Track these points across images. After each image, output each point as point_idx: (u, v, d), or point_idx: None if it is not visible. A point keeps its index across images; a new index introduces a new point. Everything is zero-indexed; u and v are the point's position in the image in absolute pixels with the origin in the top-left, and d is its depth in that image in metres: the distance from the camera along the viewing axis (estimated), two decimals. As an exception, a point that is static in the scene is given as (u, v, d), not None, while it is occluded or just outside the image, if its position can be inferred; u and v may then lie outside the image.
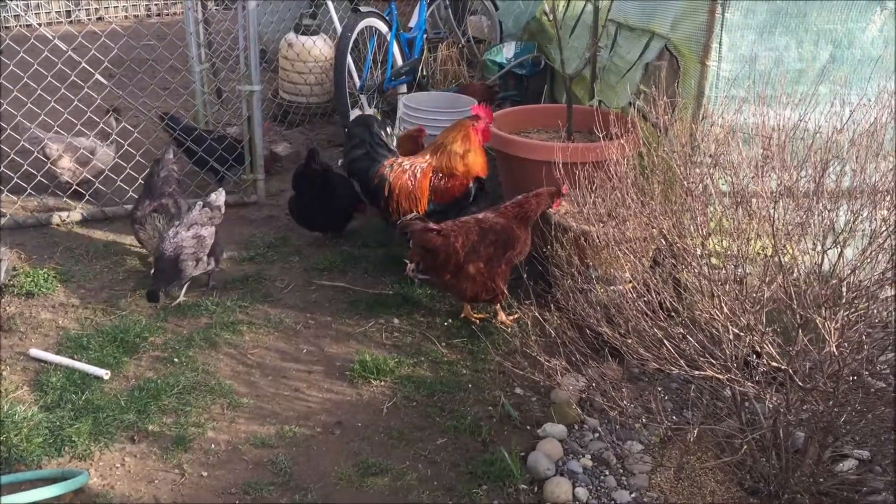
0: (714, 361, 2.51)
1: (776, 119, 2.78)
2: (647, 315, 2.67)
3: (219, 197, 4.02)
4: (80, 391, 3.21)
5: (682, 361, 2.54)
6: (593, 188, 3.25)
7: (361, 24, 5.76)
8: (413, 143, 4.41)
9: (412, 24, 6.39)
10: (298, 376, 3.43)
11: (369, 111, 5.79)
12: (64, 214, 4.70)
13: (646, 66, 4.11)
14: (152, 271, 3.89)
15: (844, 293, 2.47)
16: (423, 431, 3.11)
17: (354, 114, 5.22)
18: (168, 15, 10.05)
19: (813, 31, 3.48)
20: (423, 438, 3.07)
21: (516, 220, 3.67)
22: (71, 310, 3.81)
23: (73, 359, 3.41)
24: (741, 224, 2.65)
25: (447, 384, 3.36)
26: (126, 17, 9.79)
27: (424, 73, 6.37)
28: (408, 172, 4.06)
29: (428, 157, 4.13)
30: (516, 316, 3.76)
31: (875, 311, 2.44)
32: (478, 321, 3.80)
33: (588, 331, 3.01)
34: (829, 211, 2.52)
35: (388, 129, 4.26)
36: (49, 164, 4.76)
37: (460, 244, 3.59)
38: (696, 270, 2.67)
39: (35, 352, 3.46)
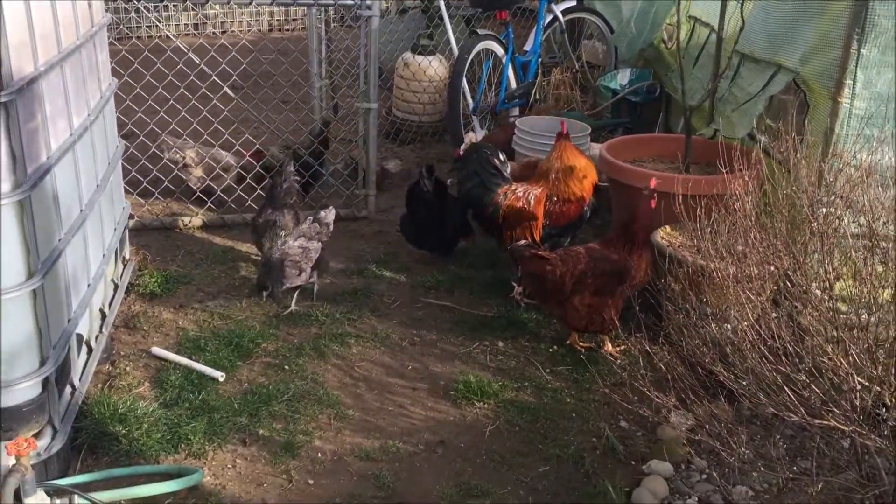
0: (837, 411, 2.41)
1: (915, 162, 2.66)
2: (766, 357, 2.59)
3: (328, 214, 4.21)
4: (197, 391, 3.34)
5: (802, 409, 2.45)
6: (712, 222, 3.18)
7: (479, 47, 5.84)
8: (531, 170, 4.42)
9: (528, 47, 6.42)
10: (403, 392, 3.47)
11: (480, 133, 5.84)
12: (187, 219, 4.92)
13: (770, 99, 4.01)
14: (258, 274, 4.09)
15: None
16: (526, 457, 3.10)
17: (467, 138, 5.29)
18: (289, 30, 10.42)
19: (956, 71, 3.32)
20: (524, 464, 3.06)
21: (628, 248, 3.63)
22: (190, 312, 3.98)
23: (192, 359, 3.56)
24: (873, 269, 2.54)
25: (550, 411, 3.34)
26: (249, 30, 10.20)
27: (538, 96, 6.39)
28: (522, 200, 4.08)
29: (541, 182, 4.14)
30: (624, 347, 3.71)
31: None
32: (584, 349, 3.76)
33: (700, 368, 2.94)
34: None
35: (501, 156, 4.29)
36: (177, 170, 5.01)
37: (568, 275, 3.58)
38: (821, 314, 2.57)
39: (156, 350, 3.63)
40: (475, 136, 5.60)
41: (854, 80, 3.38)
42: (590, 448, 3.15)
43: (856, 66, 3.37)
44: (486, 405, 3.39)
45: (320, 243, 4.11)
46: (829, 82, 3.48)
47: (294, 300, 4.01)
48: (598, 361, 3.66)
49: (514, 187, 4.16)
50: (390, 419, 3.30)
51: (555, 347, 3.81)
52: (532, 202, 4.09)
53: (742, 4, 4.12)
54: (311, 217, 4.17)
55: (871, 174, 2.72)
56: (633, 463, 3.08)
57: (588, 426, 3.28)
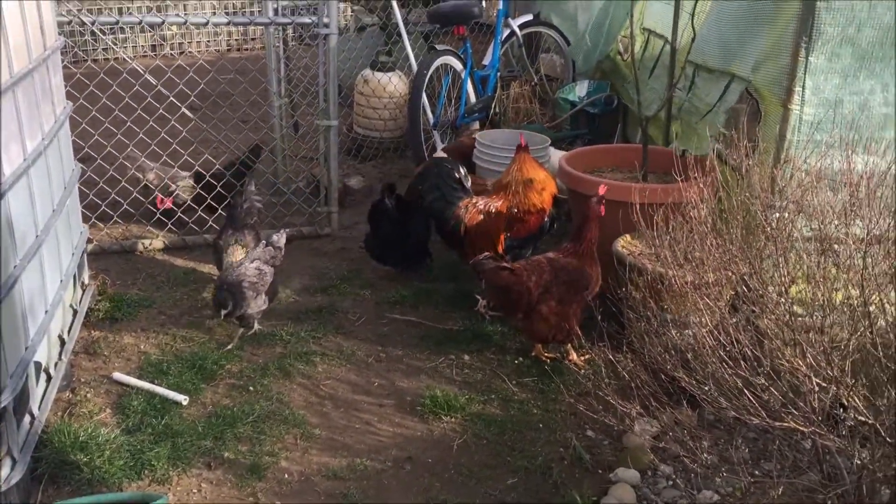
0: (796, 413, 2.45)
1: (863, 165, 2.73)
2: (726, 362, 2.62)
3: (280, 238, 4.07)
4: (160, 416, 3.30)
5: (762, 412, 2.48)
6: (670, 230, 3.23)
7: (437, 62, 5.87)
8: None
9: (486, 62, 6.46)
10: (370, 409, 3.46)
11: (441, 147, 5.87)
12: (147, 242, 4.87)
13: (729, 111, 4.08)
14: (214, 295, 3.93)
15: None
16: (494, 470, 3.10)
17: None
18: (247, 49, 10.38)
19: (901, 75, 3.41)
20: (493, 477, 3.06)
21: (586, 257, 3.68)
22: (152, 335, 3.93)
23: (154, 383, 3.52)
24: (826, 272, 2.59)
25: (518, 423, 3.35)
26: (208, 51, 10.15)
27: (497, 110, 6.43)
28: (483, 213, 4.10)
29: (501, 194, 4.17)
30: (588, 356, 3.74)
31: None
32: (549, 360, 3.78)
33: (662, 375, 2.98)
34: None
35: (462, 170, 4.32)
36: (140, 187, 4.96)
37: (533, 284, 3.60)
38: (777, 318, 2.62)
39: (118, 375, 3.57)
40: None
41: (803, 87, 3.46)
42: (557, 458, 3.17)
43: (804, 74, 3.45)
44: (453, 419, 3.39)
45: (272, 268, 3.97)
46: (779, 90, 3.55)
47: (256, 322, 3.97)
48: (564, 372, 3.69)
49: (474, 200, 4.19)
50: (357, 437, 3.28)
51: (520, 359, 3.82)
52: (493, 214, 4.12)
53: (693, 16, 4.20)
54: (264, 241, 4.09)
55: (820, 179, 2.78)
56: (600, 472, 3.09)
57: (555, 437, 3.29)
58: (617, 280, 3.39)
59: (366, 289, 4.49)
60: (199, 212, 4.93)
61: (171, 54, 9.41)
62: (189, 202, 4.98)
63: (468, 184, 4.31)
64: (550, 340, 3.75)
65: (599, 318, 3.38)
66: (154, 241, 4.88)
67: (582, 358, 3.76)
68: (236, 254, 4.15)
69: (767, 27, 3.73)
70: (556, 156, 4.90)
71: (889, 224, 2.50)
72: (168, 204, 4.93)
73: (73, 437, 3.10)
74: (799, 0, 3.43)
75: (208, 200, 4.92)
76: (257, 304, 3.88)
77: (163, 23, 4.92)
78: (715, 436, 3.16)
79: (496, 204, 4.15)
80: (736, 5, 4.12)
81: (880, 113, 3.45)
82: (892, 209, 2.54)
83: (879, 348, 2.39)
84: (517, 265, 3.69)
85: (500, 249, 4.08)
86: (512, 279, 3.62)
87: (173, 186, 4.96)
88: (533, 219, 4.13)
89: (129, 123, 4.89)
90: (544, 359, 3.79)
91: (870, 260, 2.45)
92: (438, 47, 6.07)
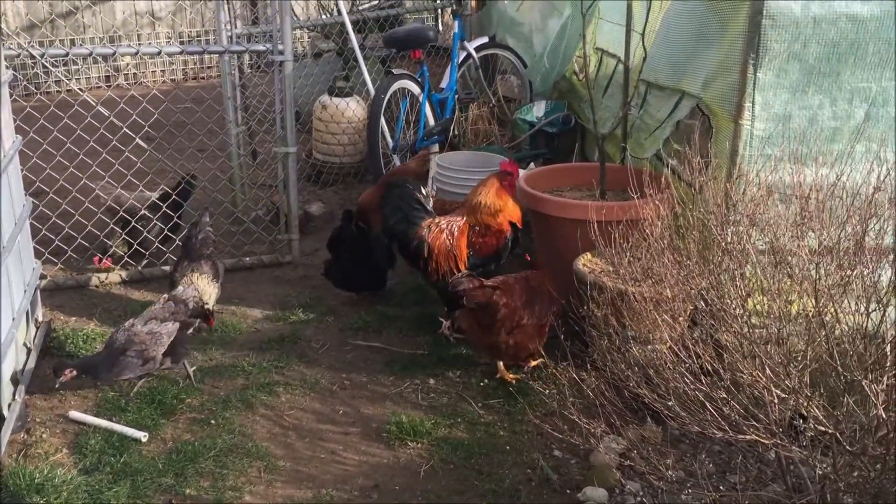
0: (758, 425, 2.46)
1: (813, 178, 2.77)
2: (686, 377, 2.63)
3: (186, 290, 3.85)
4: (119, 454, 3.22)
5: (725, 425, 2.49)
6: (628, 247, 3.25)
7: (394, 86, 5.87)
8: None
9: (444, 84, 6.49)
10: (335, 438, 3.41)
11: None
12: (103, 276, 4.78)
13: (677, 124, 4.14)
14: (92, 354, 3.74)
15: (889, 354, 2.42)
16: (461, 495, 3.07)
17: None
18: (203, 78, 10.32)
19: (847, 89, 3.48)
20: (461, 503, 3.03)
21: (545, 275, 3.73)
22: (110, 371, 3.84)
23: (112, 421, 3.44)
24: (781, 284, 2.62)
25: (484, 446, 3.33)
26: (164, 80, 10.07)
27: (456, 132, 6.45)
28: (445, 232, 4.10)
29: (464, 215, 4.18)
30: (541, 360, 3.80)
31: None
32: (514, 381, 3.77)
33: (627, 392, 2.98)
34: (871, 270, 2.49)
35: (423, 190, 4.32)
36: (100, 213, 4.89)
37: (520, 301, 3.65)
38: (736, 331, 2.64)
39: (74, 414, 3.49)
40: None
41: (753, 103, 3.52)
42: (525, 480, 3.15)
43: (753, 90, 3.51)
44: (419, 445, 3.36)
45: (177, 323, 3.69)
46: (730, 106, 3.61)
47: (140, 382, 3.72)
48: (529, 393, 3.68)
49: (437, 220, 4.19)
50: (322, 467, 3.23)
51: (486, 381, 3.81)
52: (455, 234, 4.11)
53: (644, 35, 4.26)
54: (166, 295, 3.85)
55: (772, 192, 2.82)
56: (568, 491, 3.08)
57: (522, 458, 3.27)
58: (579, 298, 3.40)
59: (328, 316, 4.45)
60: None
61: (125, 85, 9.32)
62: (126, 256, 4.93)
63: (430, 205, 4.31)
64: (522, 359, 3.76)
65: (563, 336, 3.38)
66: (110, 275, 4.79)
67: (512, 377, 3.80)
68: (195, 282, 4.09)
69: (716, 45, 3.79)
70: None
71: (839, 235, 2.54)
72: (107, 263, 4.86)
73: (29, 478, 3.02)
74: (745, 17, 3.49)
75: (135, 246, 4.91)
76: (146, 369, 3.59)
77: (114, 54, 4.85)
78: (680, 451, 3.18)
79: (458, 223, 4.14)
80: (684, 23, 4.19)
81: (829, 126, 3.52)
82: (842, 220, 2.58)
83: (836, 358, 2.42)
84: (497, 283, 3.70)
85: (462, 268, 4.07)
86: (501, 298, 3.63)
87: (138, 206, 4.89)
88: (493, 237, 4.13)
89: (81, 156, 4.81)
90: (509, 380, 3.78)
91: (822, 271, 2.49)
92: (395, 71, 6.08)
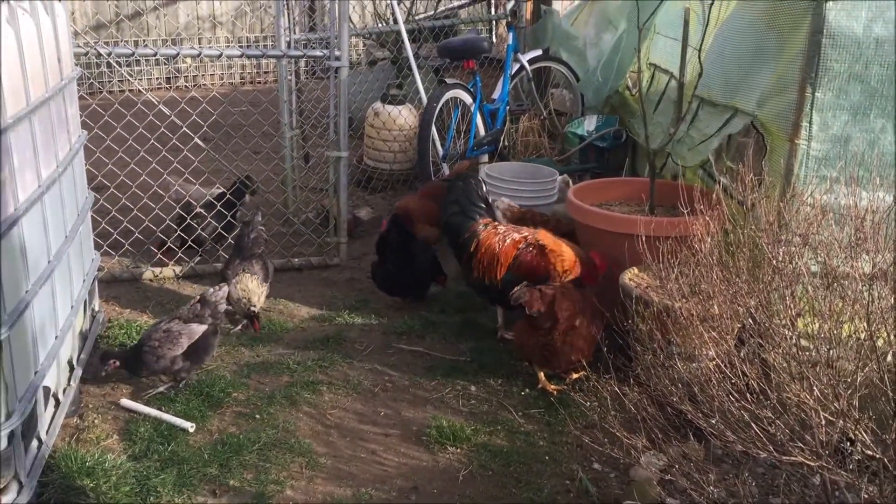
0: (804, 447, 2.44)
1: (869, 200, 2.74)
2: (732, 395, 2.62)
3: (217, 292, 3.83)
4: (167, 442, 3.31)
5: (770, 445, 2.47)
6: (676, 263, 3.24)
7: (447, 96, 5.94)
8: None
9: (496, 95, 6.54)
10: (375, 439, 3.45)
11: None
12: (157, 270, 4.90)
13: (728, 140, 4.11)
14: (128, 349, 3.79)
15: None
16: (499, 502, 3.09)
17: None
18: (261, 82, 10.52)
19: (911, 114, 3.42)
20: (498, 509, 3.05)
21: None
22: (160, 362, 3.94)
23: (161, 410, 3.53)
24: (833, 305, 2.59)
25: (524, 455, 3.34)
26: (223, 83, 10.29)
27: (506, 143, 6.49)
28: (498, 235, 4.12)
29: (530, 231, 4.17)
30: (562, 388, 3.81)
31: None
32: (555, 392, 3.78)
33: (669, 408, 2.96)
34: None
35: (485, 187, 4.38)
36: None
37: (577, 307, 3.73)
38: (784, 351, 2.61)
39: (125, 402, 3.59)
40: None
41: (810, 123, 3.48)
42: (563, 491, 3.15)
43: (811, 110, 3.47)
44: (458, 450, 3.38)
45: (203, 326, 3.71)
46: (786, 125, 3.57)
47: (166, 387, 3.73)
48: (570, 404, 3.67)
49: (497, 224, 4.22)
50: (363, 466, 3.27)
51: (527, 391, 3.82)
52: (507, 241, 4.10)
53: (700, 51, 4.25)
54: (198, 295, 3.88)
55: (826, 213, 2.79)
56: (606, 504, 3.08)
57: (561, 469, 3.28)
58: (624, 312, 3.39)
59: (373, 318, 4.51)
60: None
61: (186, 86, 9.55)
62: (179, 252, 5.02)
63: (493, 205, 4.37)
64: (568, 367, 3.79)
65: (606, 350, 3.38)
66: (164, 270, 4.91)
67: (577, 375, 3.81)
68: (245, 283, 4.18)
69: (772, 62, 3.76)
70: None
71: (894, 258, 2.51)
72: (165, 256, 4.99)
73: (80, 462, 3.11)
74: (804, 36, 3.46)
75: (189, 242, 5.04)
76: (173, 368, 3.63)
77: (177, 55, 4.99)
78: (722, 470, 3.14)
79: (515, 234, 4.13)
80: (740, 40, 4.16)
81: (891, 151, 3.45)
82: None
83: (887, 382, 2.39)
84: (553, 287, 3.78)
85: (499, 277, 4.05)
86: (560, 296, 3.71)
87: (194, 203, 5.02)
88: (543, 263, 4.04)
89: (142, 153, 4.95)
90: (551, 391, 3.79)
91: (876, 293, 2.46)
92: (448, 81, 6.15)
